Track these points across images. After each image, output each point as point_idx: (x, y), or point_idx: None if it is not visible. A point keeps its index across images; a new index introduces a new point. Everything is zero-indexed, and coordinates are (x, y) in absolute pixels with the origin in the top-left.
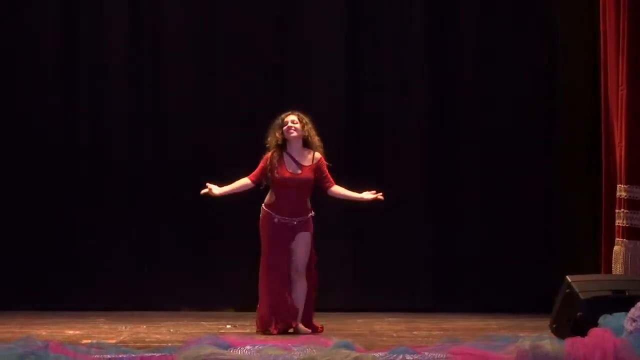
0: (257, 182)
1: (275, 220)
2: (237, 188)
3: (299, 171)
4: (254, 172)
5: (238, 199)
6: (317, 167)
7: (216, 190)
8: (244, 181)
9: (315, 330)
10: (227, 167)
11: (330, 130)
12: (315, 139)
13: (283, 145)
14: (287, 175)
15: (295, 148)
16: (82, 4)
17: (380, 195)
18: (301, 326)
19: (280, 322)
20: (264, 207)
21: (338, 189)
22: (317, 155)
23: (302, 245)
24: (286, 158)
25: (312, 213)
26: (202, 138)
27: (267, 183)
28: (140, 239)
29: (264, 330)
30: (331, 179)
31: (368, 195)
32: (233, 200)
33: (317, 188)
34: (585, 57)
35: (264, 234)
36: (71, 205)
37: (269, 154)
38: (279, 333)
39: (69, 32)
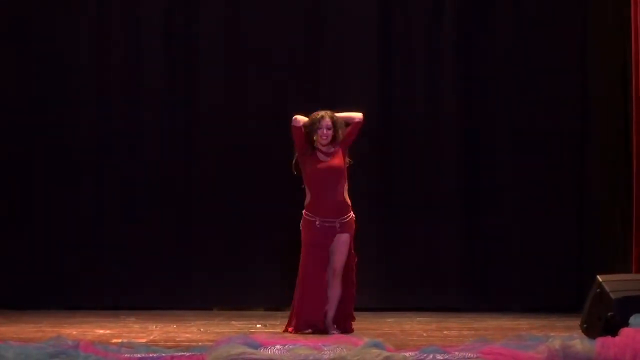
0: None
1: (317, 224)
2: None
3: (328, 158)
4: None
5: (273, 199)
6: (342, 144)
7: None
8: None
9: (346, 330)
10: (259, 165)
11: (361, 131)
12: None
13: (313, 147)
14: (318, 165)
15: (323, 147)
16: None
17: None
18: (332, 327)
19: (312, 326)
20: (305, 212)
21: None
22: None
23: (341, 247)
24: (318, 153)
25: (353, 215)
26: (233, 137)
27: (302, 183)
28: (171, 238)
29: (295, 332)
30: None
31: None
32: (266, 199)
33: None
34: (616, 55)
35: (305, 237)
36: (103, 204)
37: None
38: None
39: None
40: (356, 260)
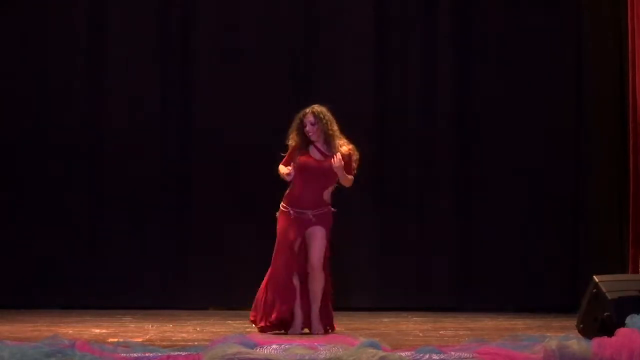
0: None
1: (291, 213)
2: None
3: (323, 159)
4: (286, 161)
5: (271, 199)
6: (344, 155)
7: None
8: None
9: (325, 330)
10: (257, 166)
11: (356, 128)
12: (335, 130)
13: (307, 143)
14: (310, 160)
15: (320, 142)
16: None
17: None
18: (314, 324)
19: (281, 324)
20: (282, 203)
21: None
22: (344, 148)
23: (315, 239)
24: (312, 149)
25: (330, 209)
26: (232, 137)
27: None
28: (167, 238)
29: (264, 330)
30: (351, 173)
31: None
32: (263, 199)
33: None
34: (612, 56)
35: (278, 227)
36: (99, 203)
37: (293, 146)
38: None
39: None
40: (329, 256)
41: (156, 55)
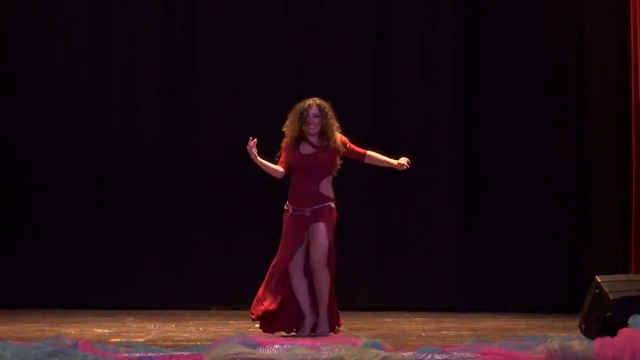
0: (287, 170)
1: (290, 211)
2: (269, 168)
3: (314, 150)
4: (282, 160)
5: (272, 198)
6: (338, 147)
7: (253, 155)
8: (278, 167)
9: (333, 329)
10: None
11: (357, 128)
12: (334, 128)
13: (300, 137)
14: (302, 155)
15: (315, 136)
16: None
17: (405, 166)
18: (322, 325)
19: (278, 325)
20: (287, 202)
21: (372, 155)
22: (336, 138)
23: (315, 236)
24: (302, 144)
25: (331, 205)
26: (232, 136)
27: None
28: (169, 238)
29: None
30: (360, 149)
31: (399, 161)
32: (264, 198)
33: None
34: (614, 55)
35: (283, 226)
36: (102, 204)
37: (286, 142)
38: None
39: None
40: (334, 251)
41: (157, 57)
